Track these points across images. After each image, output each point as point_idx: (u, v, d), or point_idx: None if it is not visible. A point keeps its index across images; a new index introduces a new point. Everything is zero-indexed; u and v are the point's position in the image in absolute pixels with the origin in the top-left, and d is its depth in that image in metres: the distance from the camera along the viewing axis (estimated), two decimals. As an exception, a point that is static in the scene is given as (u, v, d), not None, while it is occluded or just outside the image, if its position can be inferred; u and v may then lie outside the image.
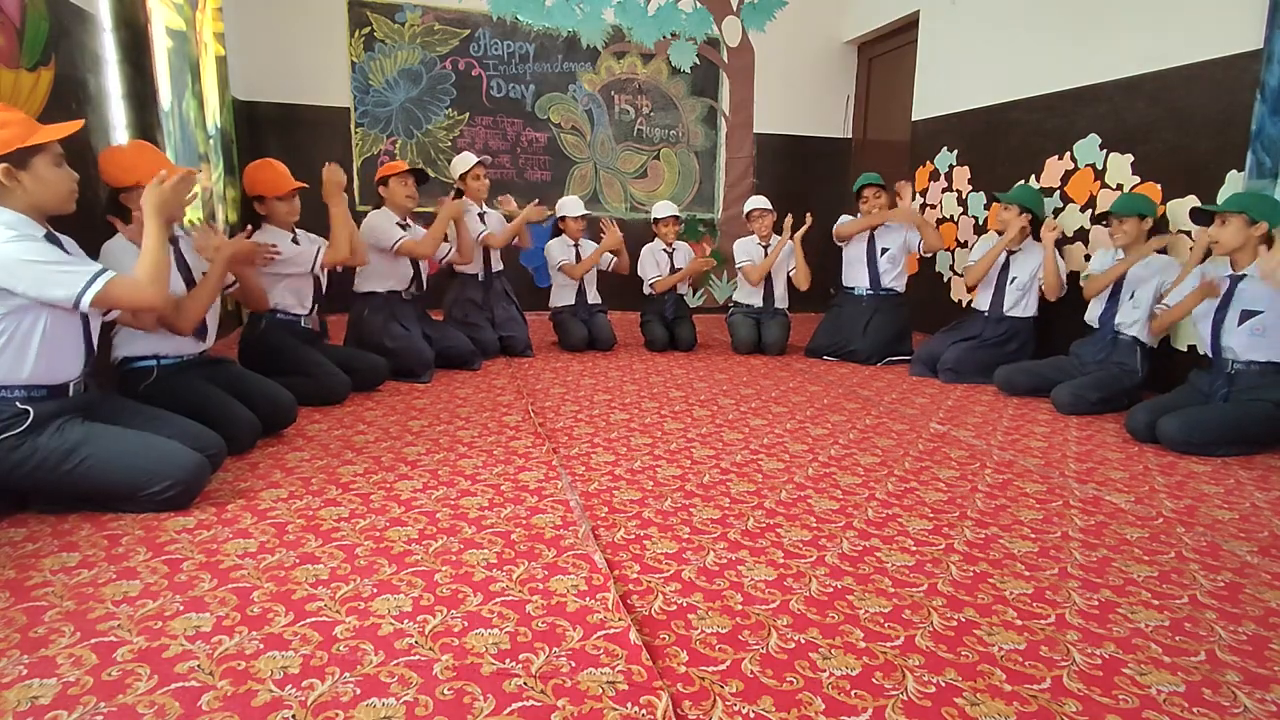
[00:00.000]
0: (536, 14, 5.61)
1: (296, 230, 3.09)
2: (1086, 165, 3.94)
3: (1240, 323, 2.69)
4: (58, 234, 1.88)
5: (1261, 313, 2.65)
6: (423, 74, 5.48)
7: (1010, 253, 3.84)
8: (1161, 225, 3.32)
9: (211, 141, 4.26)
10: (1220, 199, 3.17)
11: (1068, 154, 4.05)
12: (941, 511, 2.02)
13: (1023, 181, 4.28)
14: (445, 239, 3.83)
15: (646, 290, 4.59)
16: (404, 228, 3.64)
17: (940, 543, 1.81)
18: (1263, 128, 3.05)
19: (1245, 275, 2.71)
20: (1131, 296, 3.29)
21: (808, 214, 4.41)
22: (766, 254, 4.42)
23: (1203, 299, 2.81)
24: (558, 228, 4.52)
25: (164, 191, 1.98)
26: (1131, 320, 3.28)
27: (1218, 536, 1.90)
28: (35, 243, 1.74)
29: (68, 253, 1.85)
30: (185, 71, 3.85)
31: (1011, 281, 3.81)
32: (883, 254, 4.26)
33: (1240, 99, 3.15)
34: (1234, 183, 3.18)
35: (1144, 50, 3.60)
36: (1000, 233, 3.90)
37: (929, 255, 4.33)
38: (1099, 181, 3.86)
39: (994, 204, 4.06)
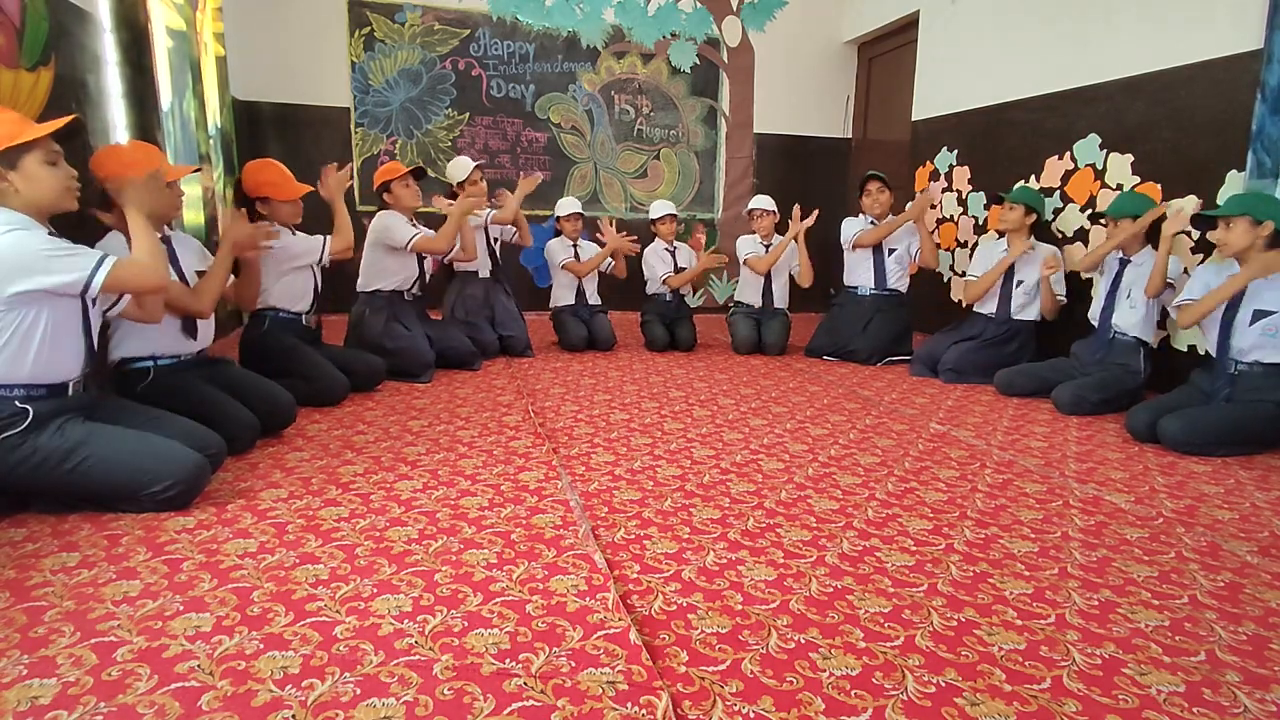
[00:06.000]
0: (536, 14, 5.61)
1: (296, 231, 3.09)
2: (1086, 165, 3.94)
3: (1252, 322, 2.68)
4: (58, 235, 1.87)
5: (1275, 313, 2.64)
6: (423, 74, 5.47)
7: None
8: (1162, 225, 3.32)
9: (212, 141, 4.26)
10: (1221, 199, 3.17)
11: (1068, 154, 4.05)
12: (941, 511, 2.02)
13: (1022, 182, 4.27)
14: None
15: (650, 289, 4.59)
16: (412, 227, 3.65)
17: (940, 543, 1.81)
18: (1263, 128, 3.05)
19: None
20: (1129, 296, 3.29)
21: (816, 210, 4.39)
22: (769, 252, 4.41)
23: (1248, 281, 2.66)
24: (557, 229, 4.54)
25: (135, 186, 2.05)
26: (1130, 321, 3.27)
27: (1218, 536, 1.90)
28: (38, 232, 1.75)
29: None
30: (185, 71, 3.86)
31: (1018, 285, 3.80)
32: (890, 254, 4.26)
33: (1240, 99, 3.15)
34: (1234, 183, 3.17)
35: (1144, 50, 3.60)
36: (1000, 233, 3.90)
37: (923, 267, 4.31)
38: (1099, 181, 3.86)
39: (994, 205, 4.05)
